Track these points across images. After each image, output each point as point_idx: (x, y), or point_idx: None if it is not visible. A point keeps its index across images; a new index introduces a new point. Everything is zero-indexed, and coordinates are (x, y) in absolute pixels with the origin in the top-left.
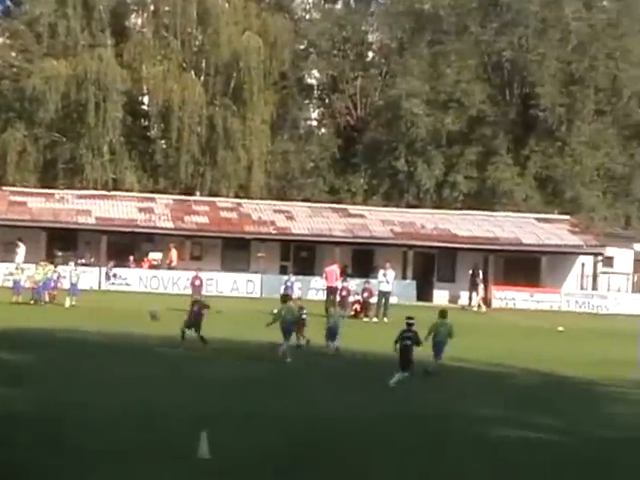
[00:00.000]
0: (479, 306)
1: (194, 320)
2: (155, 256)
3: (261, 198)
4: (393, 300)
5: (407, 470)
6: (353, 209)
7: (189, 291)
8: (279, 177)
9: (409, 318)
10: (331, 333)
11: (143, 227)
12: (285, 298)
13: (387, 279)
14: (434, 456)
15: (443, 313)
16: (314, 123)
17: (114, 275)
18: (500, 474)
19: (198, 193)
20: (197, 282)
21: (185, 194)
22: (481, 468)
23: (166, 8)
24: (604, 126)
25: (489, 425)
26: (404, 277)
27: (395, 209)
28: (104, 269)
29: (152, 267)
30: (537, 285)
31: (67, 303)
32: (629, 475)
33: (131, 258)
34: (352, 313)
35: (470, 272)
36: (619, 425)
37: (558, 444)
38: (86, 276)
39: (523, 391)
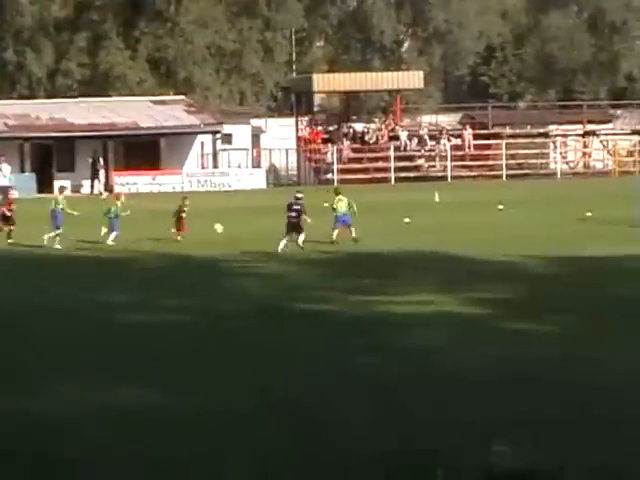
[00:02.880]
0: (100, 193)
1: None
2: None
3: None
4: (13, 194)
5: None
6: None
7: None
8: None
9: (298, 192)
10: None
11: None
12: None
13: (3, 174)
14: (81, 347)
15: (337, 190)
16: None
17: None
18: (126, 359)
19: None
20: None
21: None
22: (110, 355)
23: None
24: (212, 3)
25: (123, 311)
26: (22, 170)
27: (7, 101)
28: None
29: None
30: (158, 168)
31: None
32: (252, 349)
33: None
34: None
35: (90, 160)
36: (250, 299)
37: (186, 323)
38: None
39: (154, 274)
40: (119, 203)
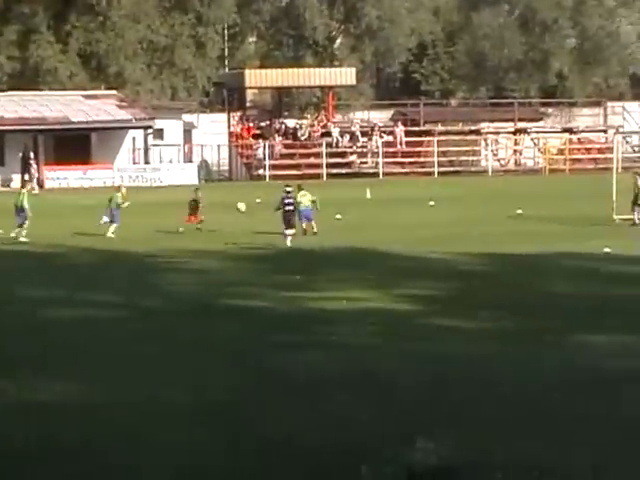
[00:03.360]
0: (32, 188)
1: None
2: None
3: None
4: None
5: None
6: None
7: None
8: None
9: (287, 186)
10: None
11: None
12: None
13: None
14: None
15: (300, 186)
16: None
17: None
18: (50, 354)
19: None
20: None
21: None
22: (33, 350)
23: None
24: None
25: (47, 306)
26: None
27: None
28: None
29: None
30: (89, 162)
31: None
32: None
33: None
34: None
35: (21, 154)
36: (174, 295)
37: (115, 319)
38: None
39: (79, 269)
40: (119, 195)
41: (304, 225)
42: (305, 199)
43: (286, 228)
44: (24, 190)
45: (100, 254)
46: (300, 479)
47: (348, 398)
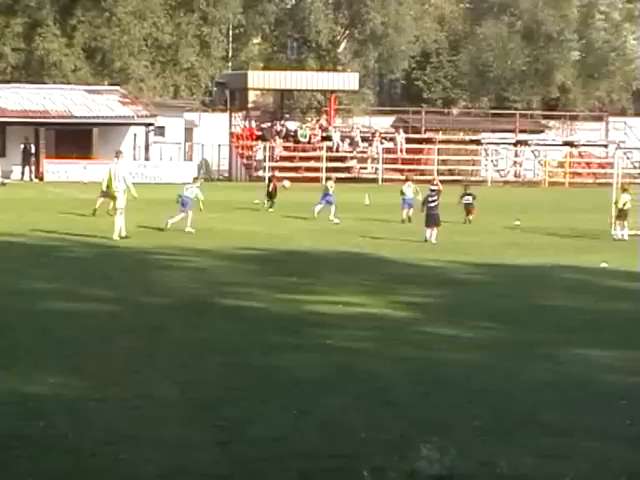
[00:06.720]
0: (30, 179)
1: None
2: None
3: None
4: None
5: None
6: None
7: None
8: None
9: (434, 185)
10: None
11: None
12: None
13: None
14: None
15: (407, 177)
16: None
17: None
18: (43, 346)
19: None
20: None
21: None
22: (27, 342)
23: None
24: None
25: (40, 298)
26: None
27: None
28: None
29: None
30: (90, 157)
31: None
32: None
33: None
34: None
35: (22, 146)
36: (168, 292)
37: (108, 313)
38: None
39: (75, 263)
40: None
41: (404, 211)
42: (409, 190)
43: (427, 225)
44: (196, 183)
45: (97, 248)
46: None
47: (340, 402)
